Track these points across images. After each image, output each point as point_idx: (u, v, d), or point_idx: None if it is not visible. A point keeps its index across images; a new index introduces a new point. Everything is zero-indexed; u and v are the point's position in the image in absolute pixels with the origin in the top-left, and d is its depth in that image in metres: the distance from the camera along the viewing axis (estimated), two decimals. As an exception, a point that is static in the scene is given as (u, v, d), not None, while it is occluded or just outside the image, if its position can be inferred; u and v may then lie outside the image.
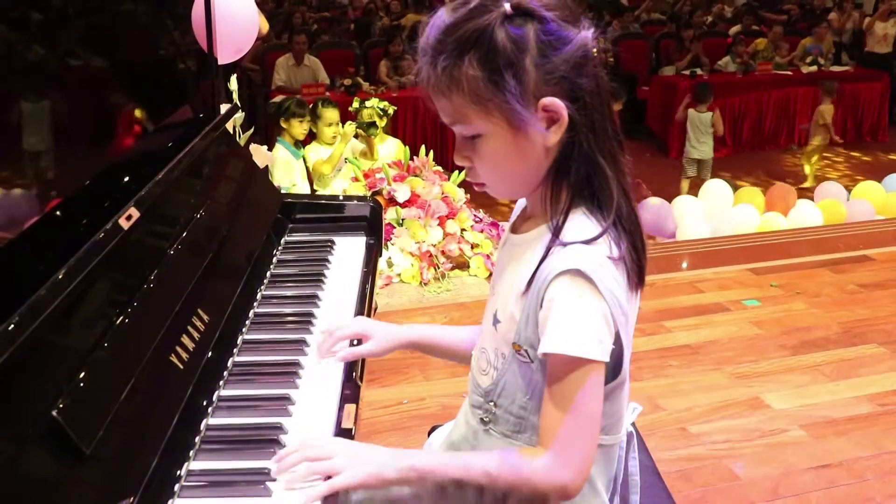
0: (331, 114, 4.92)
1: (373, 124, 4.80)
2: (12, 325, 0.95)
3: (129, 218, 1.30)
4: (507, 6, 1.00)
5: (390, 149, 4.91)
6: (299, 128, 4.82)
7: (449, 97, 1.04)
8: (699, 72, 8.38)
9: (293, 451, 1.09)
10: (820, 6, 11.42)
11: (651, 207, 5.33)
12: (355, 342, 1.41)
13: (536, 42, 1.00)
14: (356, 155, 4.79)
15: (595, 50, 1.03)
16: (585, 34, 1.02)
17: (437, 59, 1.02)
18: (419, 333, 1.40)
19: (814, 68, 8.63)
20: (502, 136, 1.04)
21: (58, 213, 1.25)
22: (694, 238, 4.88)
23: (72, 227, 1.23)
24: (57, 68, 1.37)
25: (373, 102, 4.94)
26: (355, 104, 5.00)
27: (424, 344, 1.40)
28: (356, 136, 4.94)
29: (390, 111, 4.99)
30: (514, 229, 1.19)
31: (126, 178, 1.47)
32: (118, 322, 1.15)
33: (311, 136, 5.06)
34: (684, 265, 3.99)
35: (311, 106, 4.99)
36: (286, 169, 4.64)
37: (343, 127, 4.87)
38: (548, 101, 1.02)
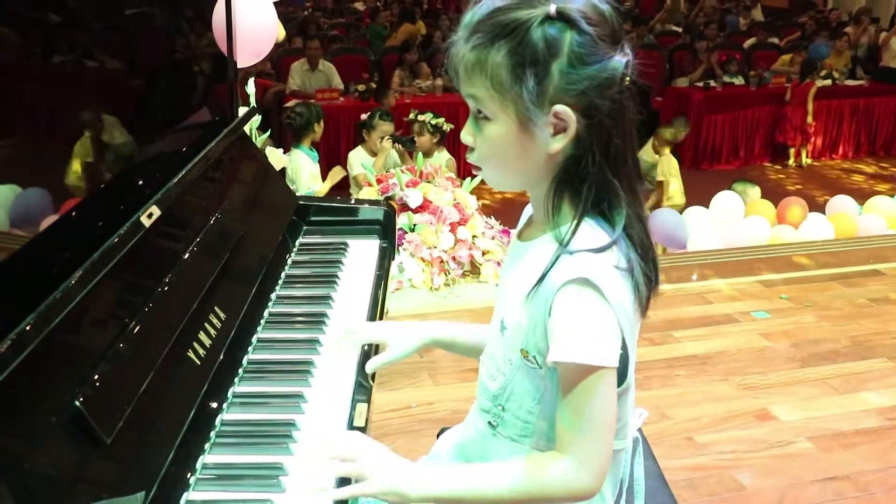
0: (387, 126, 4.97)
1: (412, 140, 4.79)
2: (38, 319, 0.98)
3: (150, 216, 1.33)
4: (553, 8, 1.01)
5: (441, 162, 4.70)
6: (320, 129, 4.89)
7: (471, 75, 1.05)
8: (713, 83, 8.38)
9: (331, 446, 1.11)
10: (835, 19, 11.39)
11: (663, 218, 5.34)
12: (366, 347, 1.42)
13: (569, 50, 1.01)
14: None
15: (627, 79, 1.04)
16: (619, 59, 1.03)
17: (471, 36, 1.04)
18: (441, 332, 1.37)
19: (828, 82, 8.61)
20: (507, 127, 1.05)
21: (79, 211, 1.28)
22: (704, 249, 4.88)
23: (92, 226, 1.26)
24: (79, 70, 1.40)
25: (427, 117, 4.92)
26: (412, 115, 5.03)
27: (447, 342, 1.38)
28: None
29: (445, 128, 4.92)
30: (521, 236, 1.20)
31: (148, 178, 1.49)
32: (138, 318, 1.17)
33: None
34: (694, 276, 3.99)
35: (367, 116, 5.02)
36: (311, 174, 4.67)
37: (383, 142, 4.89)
38: (560, 108, 1.03)
